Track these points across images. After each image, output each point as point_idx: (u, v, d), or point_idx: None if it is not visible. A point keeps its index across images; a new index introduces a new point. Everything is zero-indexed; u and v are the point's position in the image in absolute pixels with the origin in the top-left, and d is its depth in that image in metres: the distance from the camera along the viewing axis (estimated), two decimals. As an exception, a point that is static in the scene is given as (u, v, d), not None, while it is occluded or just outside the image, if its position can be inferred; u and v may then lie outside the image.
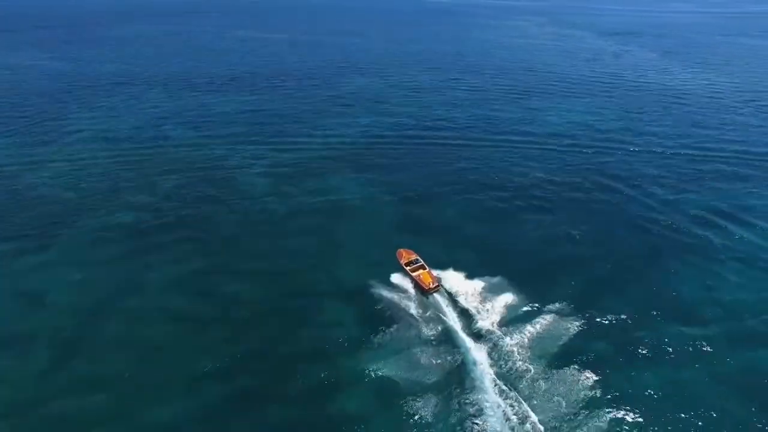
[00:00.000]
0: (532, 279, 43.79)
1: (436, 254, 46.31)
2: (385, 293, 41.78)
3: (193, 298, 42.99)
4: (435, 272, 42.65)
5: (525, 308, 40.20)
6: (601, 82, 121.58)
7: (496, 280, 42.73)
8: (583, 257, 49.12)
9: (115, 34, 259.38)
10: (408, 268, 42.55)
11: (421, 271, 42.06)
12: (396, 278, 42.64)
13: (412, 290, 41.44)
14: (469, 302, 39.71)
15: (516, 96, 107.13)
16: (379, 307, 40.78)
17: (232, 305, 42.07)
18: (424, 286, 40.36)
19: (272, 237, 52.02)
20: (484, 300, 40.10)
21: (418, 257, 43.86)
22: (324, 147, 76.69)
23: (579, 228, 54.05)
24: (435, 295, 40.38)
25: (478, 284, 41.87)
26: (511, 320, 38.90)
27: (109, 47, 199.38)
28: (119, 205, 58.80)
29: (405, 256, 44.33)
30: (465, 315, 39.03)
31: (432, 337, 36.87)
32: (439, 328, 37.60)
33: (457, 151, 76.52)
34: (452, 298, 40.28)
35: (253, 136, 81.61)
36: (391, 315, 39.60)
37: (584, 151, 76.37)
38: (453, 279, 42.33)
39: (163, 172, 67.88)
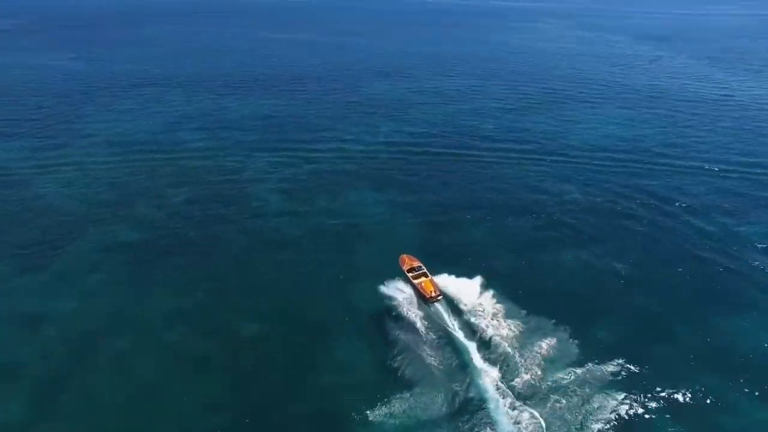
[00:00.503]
0: (570, 316, 38.89)
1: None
2: (398, 326, 38.12)
3: (194, 334, 39.03)
4: (439, 278, 41.10)
5: (561, 350, 35.92)
6: (638, 90, 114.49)
7: (530, 318, 38.51)
8: (627, 293, 43.76)
9: (137, 34, 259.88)
10: (410, 275, 40.91)
11: (423, 279, 40.48)
12: (391, 289, 40.48)
13: (413, 297, 39.74)
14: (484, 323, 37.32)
15: (547, 105, 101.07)
16: (392, 339, 37.25)
17: (236, 345, 38.00)
18: (425, 294, 38.82)
19: (284, 264, 47.83)
20: (521, 339, 36.52)
21: (421, 264, 42.06)
22: (342, 158, 72.29)
23: (623, 260, 48.48)
24: (436, 304, 38.70)
25: (511, 323, 37.90)
26: (548, 362, 34.78)
27: (129, 47, 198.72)
28: (125, 220, 55.36)
29: (407, 262, 42.64)
30: (472, 330, 36.95)
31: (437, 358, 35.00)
32: (444, 343, 35.94)
33: (483, 165, 71.36)
34: (455, 308, 38.72)
35: (269, 144, 77.74)
36: (403, 345, 36.50)
37: (625, 167, 70.37)
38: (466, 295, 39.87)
39: (174, 183, 64.37)
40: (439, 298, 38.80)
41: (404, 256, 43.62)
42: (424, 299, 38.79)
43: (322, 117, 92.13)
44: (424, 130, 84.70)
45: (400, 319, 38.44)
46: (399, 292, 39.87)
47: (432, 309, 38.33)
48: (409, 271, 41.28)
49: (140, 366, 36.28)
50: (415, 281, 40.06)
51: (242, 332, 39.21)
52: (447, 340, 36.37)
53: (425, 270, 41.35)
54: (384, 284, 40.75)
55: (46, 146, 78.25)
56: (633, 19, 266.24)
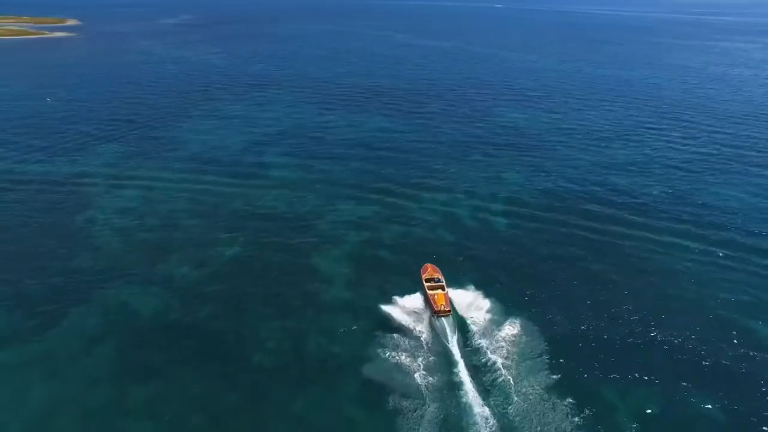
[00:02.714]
0: None
1: None
2: None
3: None
4: (455, 292, 40.00)
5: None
6: None
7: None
8: None
9: (289, 30, 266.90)
10: (427, 285, 39.76)
11: (438, 291, 38.91)
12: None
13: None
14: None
15: (747, 165, 71.91)
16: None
17: None
18: (435, 306, 37.42)
19: (334, 389, 31.78)
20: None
21: (441, 277, 40.71)
22: (448, 221, 54.08)
23: None
24: (443, 319, 36.63)
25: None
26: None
27: (268, 44, 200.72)
28: (155, 275, 43.67)
29: (429, 271, 41.41)
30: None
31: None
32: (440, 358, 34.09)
33: (646, 252, 48.26)
34: (463, 326, 37.28)
35: (360, 184, 62.33)
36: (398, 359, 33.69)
37: None
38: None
39: (233, 227, 51.95)
40: (448, 312, 37.14)
41: (428, 265, 42.36)
42: (432, 311, 37.43)
43: (435, 152, 74.65)
44: (565, 186, 62.89)
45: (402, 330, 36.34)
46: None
47: (438, 322, 36.57)
48: (427, 281, 40.22)
49: None
50: (430, 292, 38.77)
51: None
52: (445, 357, 34.13)
53: (443, 283, 40.00)
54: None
55: (128, 154, 71.85)
56: None
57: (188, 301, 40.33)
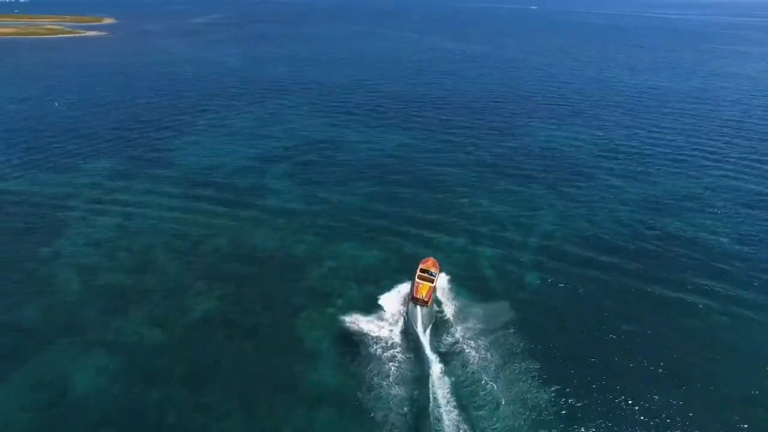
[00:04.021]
0: None
1: None
2: None
3: None
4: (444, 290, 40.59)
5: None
6: None
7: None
8: None
9: (309, 31, 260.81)
10: (418, 273, 39.50)
11: (426, 282, 38.52)
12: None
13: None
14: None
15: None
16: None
17: None
18: (415, 293, 37.39)
19: None
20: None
21: (436, 272, 40.35)
22: (467, 273, 44.90)
23: None
24: (418, 308, 36.50)
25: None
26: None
27: (292, 45, 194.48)
28: (107, 338, 36.23)
29: (428, 264, 40.88)
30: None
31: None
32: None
33: (726, 334, 38.05)
34: (436, 321, 37.18)
35: (371, 221, 53.68)
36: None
37: None
38: None
39: (212, 272, 44.25)
40: (424, 303, 36.75)
41: (430, 258, 42.25)
42: (411, 296, 37.50)
43: (460, 179, 65.31)
44: (609, 229, 52.60)
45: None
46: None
47: (412, 309, 36.62)
48: (422, 270, 39.97)
49: None
50: (417, 280, 38.76)
51: None
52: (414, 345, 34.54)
53: (435, 278, 39.65)
54: None
55: (117, 172, 65.29)
56: None
57: (134, 381, 32.51)
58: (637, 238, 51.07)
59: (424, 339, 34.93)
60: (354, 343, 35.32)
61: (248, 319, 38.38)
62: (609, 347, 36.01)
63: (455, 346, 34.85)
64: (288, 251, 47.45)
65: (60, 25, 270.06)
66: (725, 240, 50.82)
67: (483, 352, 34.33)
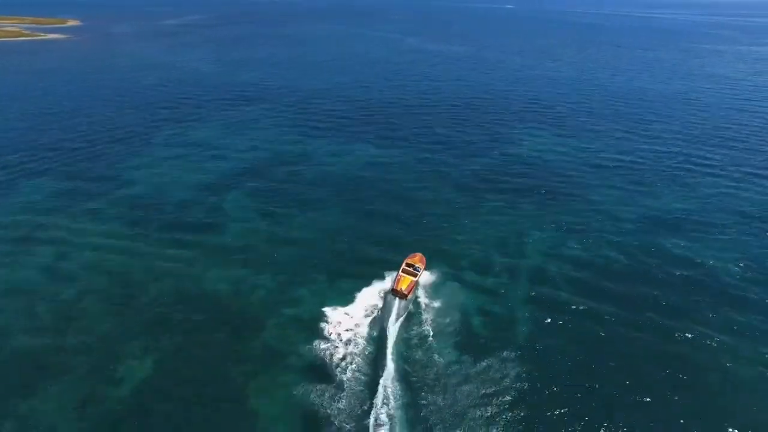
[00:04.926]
0: None
1: None
2: None
3: None
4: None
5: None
6: None
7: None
8: None
9: (288, 32, 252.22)
10: (403, 267, 40.49)
11: (409, 276, 39.31)
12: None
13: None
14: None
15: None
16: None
17: None
18: (395, 285, 38.26)
19: None
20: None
21: (422, 267, 41.15)
22: (445, 322, 38.89)
23: None
24: (396, 300, 37.65)
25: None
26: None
27: (267, 48, 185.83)
28: (8, 425, 29.27)
29: (415, 259, 41.86)
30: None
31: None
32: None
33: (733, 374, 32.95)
34: (410, 313, 37.65)
35: (339, 253, 47.34)
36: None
37: None
38: None
39: (151, 327, 37.52)
40: (403, 296, 37.66)
41: (418, 254, 42.86)
42: (392, 289, 38.28)
43: (440, 198, 59.46)
44: (605, 256, 47.20)
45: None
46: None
47: (389, 300, 37.67)
48: (407, 264, 40.70)
49: None
50: (400, 273, 39.54)
51: None
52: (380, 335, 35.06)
53: (419, 273, 40.29)
54: None
55: (54, 195, 57.78)
56: None
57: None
58: (635, 264, 45.77)
59: (392, 331, 35.49)
60: (318, 417, 29.03)
61: (191, 391, 31.75)
62: (586, 374, 30.39)
63: (420, 343, 35.06)
64: (242, 296, 40.86)
65: (18, 27, 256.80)
66: (733, 267, 45.82)
67: (446, 353, 34.11)
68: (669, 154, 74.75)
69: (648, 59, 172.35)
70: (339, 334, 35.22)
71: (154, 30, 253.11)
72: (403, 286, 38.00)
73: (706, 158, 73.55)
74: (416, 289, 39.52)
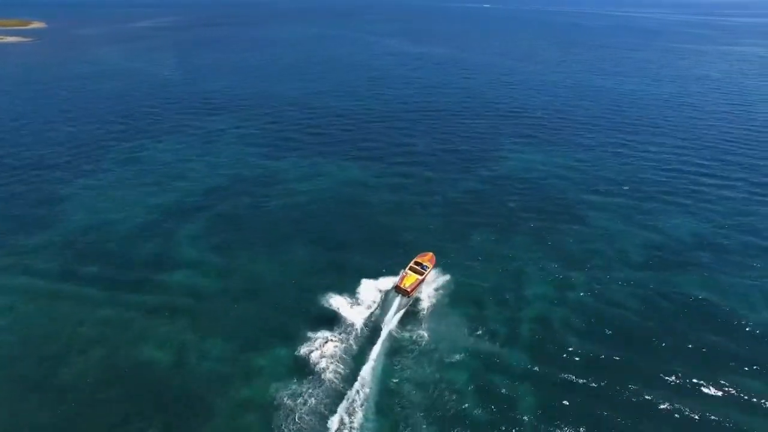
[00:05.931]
0: None
1: None
2: None
3: None
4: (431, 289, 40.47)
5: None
6: None
7: None
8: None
9: (264, 34, 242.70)
10: (411, 264, 40.29)
11: (414, 274, 39.06)
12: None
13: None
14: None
15: None
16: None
17: None
18: (398, 282, 37.98)
19: None
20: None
21: (429, 266, 40.63)
22: (428, 386, 32.47)
23: None
24: (399, 297, 37.50)
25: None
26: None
27: (240, 52, 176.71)
28: None
29: (426, 258, 41.53)
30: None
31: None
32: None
33: None
34: (409, 310, 37.95)
35: (307, 304, 40.44)
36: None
37: None
38: None
39: (70, 413, 30.11)
40: (405, 294, 37.32)
41: (429, 253, 42.72)
42: (395, 285, 38.01)
43: (423, 227, 52.96)
44: (611, 300, 41.25)
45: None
46: None
47: (391, 297, 37.68)
48: (415, 263, 40.52)
49: None
50: (407, 270, 39.43)
51: None
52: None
53: (426, 272, 39.78)
54: None
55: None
56: None
57: None
58: (650, 309, 39.83)
59: (386, 328, 35.68)
60: None
61: None
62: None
63: (412, 343, 35.18)
64: (188, 367, 33.74)
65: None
66: (762, 308, 40.20)
67: (438, 358, 33.94)
68: (667, 165, 69.46)
69: (637, 60, 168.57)
70: None
71: (125, 33, 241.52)
72: (407, 284, 37.79)
73: (714, 171, 68.36)
74: (420, 287, 39.29)
